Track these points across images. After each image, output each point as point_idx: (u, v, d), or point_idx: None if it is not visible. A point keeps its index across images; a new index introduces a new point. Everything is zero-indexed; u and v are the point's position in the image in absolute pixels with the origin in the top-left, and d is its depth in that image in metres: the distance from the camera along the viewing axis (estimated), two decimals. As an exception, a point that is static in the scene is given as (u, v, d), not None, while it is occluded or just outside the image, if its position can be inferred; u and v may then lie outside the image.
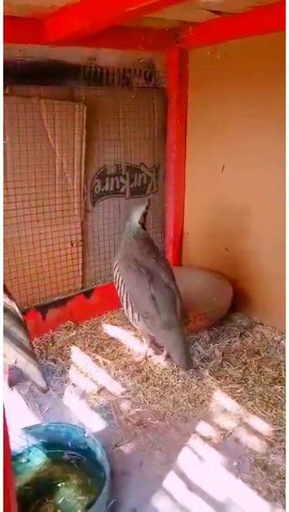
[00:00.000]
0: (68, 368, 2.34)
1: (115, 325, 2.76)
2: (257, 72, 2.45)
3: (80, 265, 2.75)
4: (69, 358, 2.42)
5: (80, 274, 2.77)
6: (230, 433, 1.88)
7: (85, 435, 1.66)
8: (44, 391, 2.07)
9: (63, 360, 2.41)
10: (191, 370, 2.25)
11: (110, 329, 2.74)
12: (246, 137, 2.59)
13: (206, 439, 1.86)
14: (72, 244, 2.67)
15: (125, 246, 2.29)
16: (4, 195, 2.32)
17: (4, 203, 2.32)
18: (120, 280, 2.27)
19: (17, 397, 2.13)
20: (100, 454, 1.59)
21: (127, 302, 2.27)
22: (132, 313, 2.27)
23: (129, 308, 2.27)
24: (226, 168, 2.75)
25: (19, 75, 2.27)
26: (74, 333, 2.66)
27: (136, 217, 2.25)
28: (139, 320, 2.26)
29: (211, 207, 2.92)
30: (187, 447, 1.82)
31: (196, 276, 2.93)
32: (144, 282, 2.19)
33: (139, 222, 2.25)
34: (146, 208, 2.26)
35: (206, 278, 2.88)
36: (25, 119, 2.29)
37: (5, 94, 2.21)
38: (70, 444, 1.70)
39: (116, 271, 2.30)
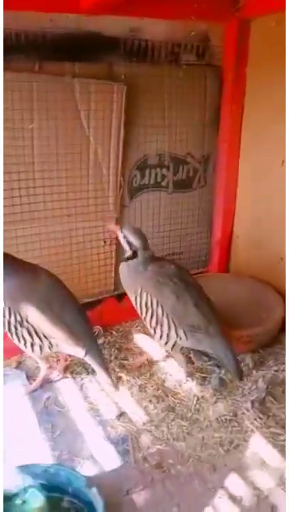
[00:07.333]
0: (90, 382, 2.11)
1: (148, 334, 2.48)
2: None
3: (113, 265, 2.49)
4: (93, 370, 2.15)
5: (113, 275, 2.51)
6: (266, 495, 1.54)
7: (87, 487, 1.39)
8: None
9: (85, 372, 2.17)
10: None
11: (141, 339, 2.46)
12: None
13: (236, 500, 1.53)
14: (105, 242, 2.43)
15: (137, 273, 2.03)
16: (31, 187, 2.11)
17: (31, 195, 2.12)
18: (155, 302, 1.98)
19: (30, 412, 1.93)
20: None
21: (168, 324, 1.98)
22: (176, 332, 1.98)
23: (172, 329, 1.98)
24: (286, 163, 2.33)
25: (50, 49, 1.99)
26: (101, 341, 2.41)
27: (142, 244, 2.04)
28: (187, 337, 1.99)
29: (268, 208, 2.52)
30: (211, 507, 1.51)
31: (243, 286, 2.59)
32: (182, 292, 1.97)
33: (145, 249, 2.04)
34: None
35: (254, 290, 2.53)
36: (56, 101, 2.03)
37: (34, 72, 1.97)
38: (70, 490, 1.45)
39: (144, 296, 2.00)
